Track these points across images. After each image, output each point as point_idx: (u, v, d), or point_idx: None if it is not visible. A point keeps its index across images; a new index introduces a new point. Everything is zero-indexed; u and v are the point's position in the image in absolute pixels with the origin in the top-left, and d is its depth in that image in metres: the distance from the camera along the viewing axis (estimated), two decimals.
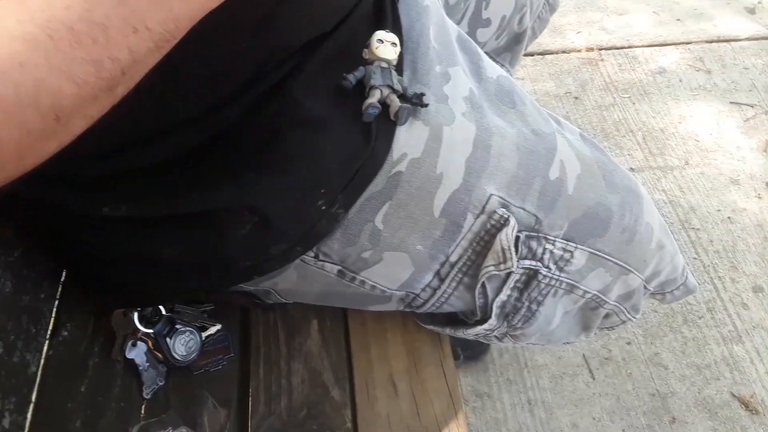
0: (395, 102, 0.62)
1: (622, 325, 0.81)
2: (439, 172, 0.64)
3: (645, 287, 0.77)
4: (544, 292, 0.71)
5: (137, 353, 0.71)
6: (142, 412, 0.70)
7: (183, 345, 0.73)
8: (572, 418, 1.30)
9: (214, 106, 0.57)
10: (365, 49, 0.64)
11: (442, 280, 0.70)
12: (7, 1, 0.37)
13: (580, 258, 0.69)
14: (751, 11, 2.18)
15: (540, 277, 0.69)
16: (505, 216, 0.65)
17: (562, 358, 1.39)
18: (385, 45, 0.63)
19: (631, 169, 1.72)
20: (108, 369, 0.72)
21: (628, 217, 0.71)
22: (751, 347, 1.40)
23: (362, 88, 0.62)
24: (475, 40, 0.89)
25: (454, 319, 0.79)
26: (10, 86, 0.36)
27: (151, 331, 0.72)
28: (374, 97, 0.61)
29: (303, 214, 0.61)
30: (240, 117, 0.58)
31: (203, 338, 0.75)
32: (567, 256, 0.69)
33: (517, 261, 0.67)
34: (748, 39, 2.09)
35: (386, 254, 0.67)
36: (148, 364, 0.72)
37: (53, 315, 0.71)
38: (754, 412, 1.31)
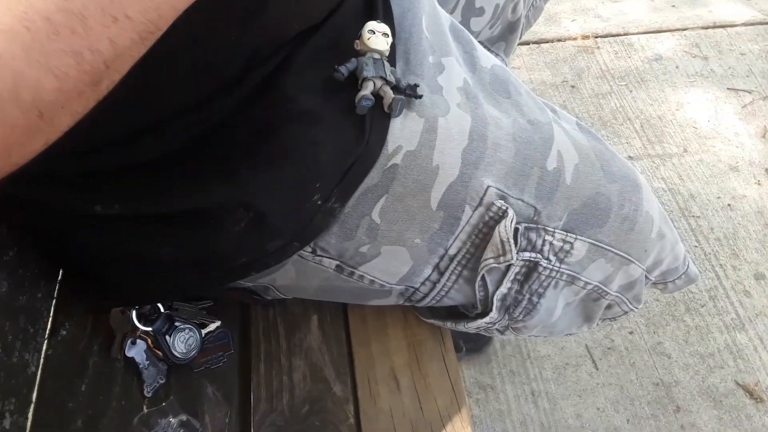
0: (389, 94, 0.61)
1: (625, 315, 0.80)
2: (435, 165, 0.63)
3: (646, 277, 0.76)
4: (544, 284, 0.71)
5: (137, 351, 0.71)
6: (144, 410, 0.70)
7: (182, 342, 0.73)
8: (576, 408, 1.30)
9: (203, 101, 0.56)
10: (356, 41, 0.63)
11: (441, 274, 0.70)
12: None
13: (580, 249, 0.69)
14: None
15: (540, 269, 0.69)
16: (504, 208, 0.65)
17: (564, 348, 1.39)
18: (376, 36, 0.62)
19: (630, 158, 1.71)
20: (108, 368, 0.72)
21: (627, 206, 0.70)
22: (754, 335, 1.40)
23: (355, 80, 0.61)
24: (469, 30, 0.88)
25: (455, 313, 0.79)
26: None
27: (149, 329, 0.71)
28: (367, 89, 0.60)
29: (298, 209, 0.61)
30: (231, 112, 0.57)
31: (203, 335, 0.75)
32: (567, 247, 0.69)
33: (517, 253, 0.66)
34: (744, 24, 2.08)
35: (384, 248, 0.66)
36: (148, 362, 0.72)
37: (51, 314, 0.71)
38: (758, 399, 1.30)
